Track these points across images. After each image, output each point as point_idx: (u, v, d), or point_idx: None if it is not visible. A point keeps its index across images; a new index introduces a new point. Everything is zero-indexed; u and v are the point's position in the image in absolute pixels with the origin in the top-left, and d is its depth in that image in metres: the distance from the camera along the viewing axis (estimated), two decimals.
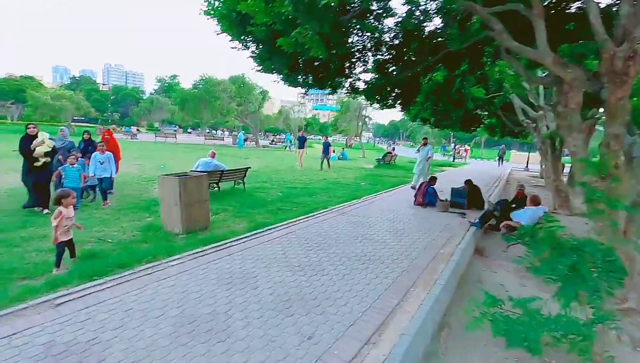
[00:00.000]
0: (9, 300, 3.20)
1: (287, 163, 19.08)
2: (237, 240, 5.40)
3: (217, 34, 6.01)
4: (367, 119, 33.35)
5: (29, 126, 6.39)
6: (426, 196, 9.11)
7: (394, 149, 24.46)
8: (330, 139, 18.03)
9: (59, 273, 3.91)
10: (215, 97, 30.76)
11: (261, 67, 6.35)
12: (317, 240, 5.65)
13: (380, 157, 21.46)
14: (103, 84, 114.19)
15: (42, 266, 4.06)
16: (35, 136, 6.28)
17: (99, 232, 5.47)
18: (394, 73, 7.86)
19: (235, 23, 5.51)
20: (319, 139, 34.10)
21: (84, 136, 8.33)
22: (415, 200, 9.26)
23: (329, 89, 7.31)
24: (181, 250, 4.78)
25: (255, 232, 5.85)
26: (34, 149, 6.16)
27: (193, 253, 4.70)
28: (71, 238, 4.12)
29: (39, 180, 6.28)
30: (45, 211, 6.24)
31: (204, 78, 31.95)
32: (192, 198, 5.66)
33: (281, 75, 6.60)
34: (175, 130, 50.38)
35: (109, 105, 72.03)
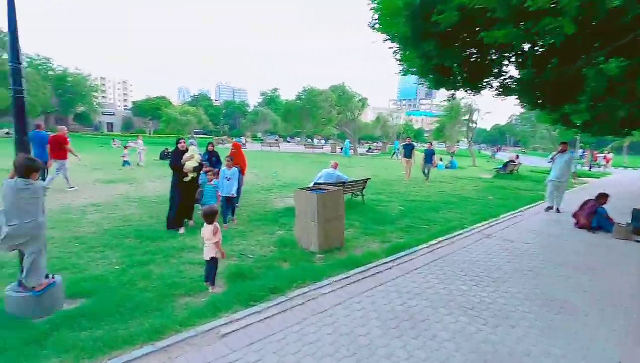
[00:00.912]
0: (179, 323, 3.06)
1: (393, 172, 18.13)
2: (379, 265, 4.76)
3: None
4: (473, 124, 30.30)
5: (180, 141, 6.31)
6: (593, 218, 7.23)
7: (517, 157, 21.33)
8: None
9: (215, 292, 3.77)
10: (317, 107, 31.64)
11: (409, 68, 5.72)
12: (475, 271, 4.67)
13: (501, 166, 18.89)
14: (215, 100, 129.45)
15: (197, 282, 4.00)
16: (186, 151, 6.19)
17: (238, 246, 5.42)
18: (554, 67, 6.40)
19: (412, 15, 4.97)
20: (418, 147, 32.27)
21: (208, 148, 8.26)
22: (576, 222, 7.44)
23: (472, 90, 6.27)
24: (325, 274, 4.34)
25: (396, 256, 5.14)
26: (184, 164, 6.04)
27: (340, 279, 4.20)
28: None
29: (186, 196, 6.19)
30: (182, 230, 6.02)
31: (306, 89, 33.21)
32: (329, 214, 5.24)
33: (428, 76, 5.86)
34: (276, 140, 53.78)
35: (221, 118, 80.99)
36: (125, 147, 16.66)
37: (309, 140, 61.39)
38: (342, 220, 5.53)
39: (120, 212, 7.36)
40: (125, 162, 15.69)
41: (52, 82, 52.12)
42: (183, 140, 6.31)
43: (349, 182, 8.42)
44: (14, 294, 3.03)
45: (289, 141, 65.20)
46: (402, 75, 5.91)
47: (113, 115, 75.86)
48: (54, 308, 3.17)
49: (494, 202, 10.53)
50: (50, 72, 55.23)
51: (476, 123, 28.61)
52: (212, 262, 3.84)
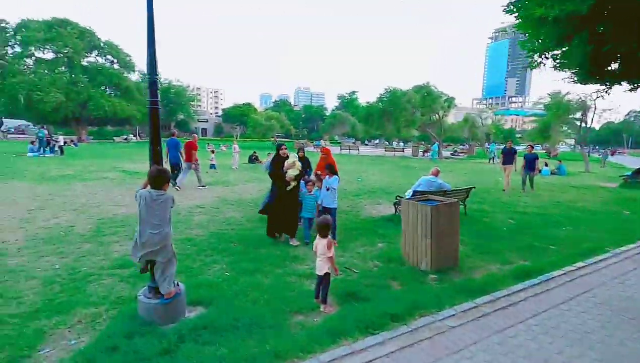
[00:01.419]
0: (300, 348, 2.82)
1: (487, 178, 16.36)
2: (510, 295, 4.01)
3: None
4: (585, 123, 25.98)
5: (282, 147, 5.99)
6: None
7: None
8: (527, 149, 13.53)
9: (328, 312, 3.49)
10: (399, 109, 30.54)
11: (563, 63, 4.85)
12: None
13: (629, 173, 15.75)
14: (295, 105, 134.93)
15: (307, 297, 3.78)
16: (287, 158, 5.81)
17: (339, 258, 5.10)
18: None
19: None
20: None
21: (299, 154, 7.38)
22: None
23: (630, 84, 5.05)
24: (446, 300, 3.77)
25: (527, 284, 4.31)
26: (286, 172, 5.69)
27: (467, 310, 3.60)
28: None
29: (288, 207, 5.74)
30: (295, 242, 5.65)
31: (388, 90, 32.32)
32: (443, 229, 4.64)
33: (583, 70, 4.91)
34: (354, 142, 53.64)
35: (300, 123, 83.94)
36: (212, 152, 17.76)
37: (387, 142, 60.02)
38: (456, 236, 4.88)
39: (221, 214, 7.70)
40: (212, 166, 16.74)
41: (160, 94, 59.60)
42: (284, 146, 6.06)
43: (452, 190, 7.61)
44: (145, 299, 3.11)
45: (366, 144, 64.58)
46: (558, 69, 4.98)
47: (207, 121, 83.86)
48: (178, 316, 3.20)
49: (632, 217, 8.64)
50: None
51: (587, 122, 24.51)
52: (325, 279, 3.57)
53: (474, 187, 8.24)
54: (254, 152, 23.11)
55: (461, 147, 43.13)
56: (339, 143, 57.23)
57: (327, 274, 3.56)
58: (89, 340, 2.91)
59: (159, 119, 3.11)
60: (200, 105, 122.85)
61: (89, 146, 33.18)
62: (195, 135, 13.29)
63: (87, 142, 38.88)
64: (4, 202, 8.04)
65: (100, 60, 44.73)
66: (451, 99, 32.79)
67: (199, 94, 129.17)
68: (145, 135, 57.13)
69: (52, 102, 36.13)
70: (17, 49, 39.62)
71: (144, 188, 3.11)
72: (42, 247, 5.15)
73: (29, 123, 47.92)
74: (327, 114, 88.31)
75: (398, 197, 7.82)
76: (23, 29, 38.43)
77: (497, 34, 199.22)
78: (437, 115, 32.72)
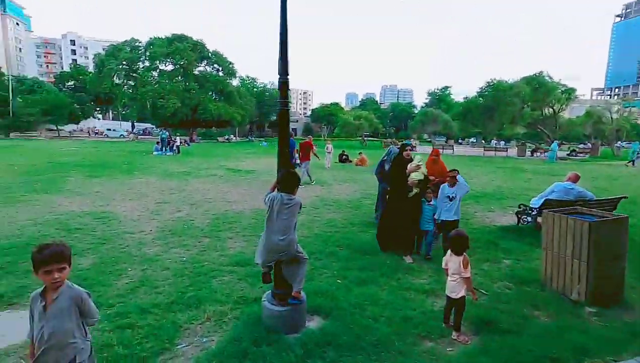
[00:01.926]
0: None
1: (628, 185, 13.43)
2: None
3: None
4: None
5: (407, 148, 5.17)
6: None
7: None
8: None
9: (463, 342, 2.99)
10: (505, 103, 27.34)
11: None
12: None
13: None
14: (381, 103, 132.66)
15: (432, 318, 3.35)
16: (410, 160, 5.08)
17: None
18: None
19: None
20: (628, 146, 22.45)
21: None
22: None
23: None
24: (620, 346, 2.93)
25: None
26: (408, 175, 4.95)
27: None
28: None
29: (406, 217, 4.92)
30: (409, 260, 4.89)
31: (491, 83, 29.22)
32: (604, 252, 3.70)
33: None
34: (446, 141, 50.21)
35: (388, 121, 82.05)
36: (297, 151, 18.05)
37: (483, 141, 54.74)
38: (622, 261, 3.86)
39: (322, 215, 7.64)
40: (296, 164, 17.03)
41: (255, 97, 64.48)
42: (409, 148, 5.33)
43: (596, 201, 6.25)
44: (269, 306, 3.04)
45: (460, 143, 59.92)
46: None
47: (296, 121, 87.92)
48: (301, 325, 3.06)
49: None
50: (254, 89, 68.58)
51: None
52: (460, 303, 3.07)
53: (626, 197, 6.65)
54: (343, 151, 23.14)
55: (581, 146, 36.73)
56: (429, 142, 54.20)
57: (462, 298, 3.05)
58: (218, 340, 2.95)
59: (289, 120, 3.00)
60: (290, 107, 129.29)
61: (199, 145, 37.38)
62: (311, 136, 14.83)
63: (196, 142, 43.94)
64: (140, 195, 9.29)
65: (209, 68, 50.22)
66: (571, 90, 28.12)
67: (290, 96, 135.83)
68: (242, 135, 62.33)
69: (171, 107, 41.83)
70: (147, 63, 46.87)
71: (273, 191, 3.04)
72: (170, 239, 5.68)
73: (153, 126, 56.44)
74: (416, 112, 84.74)
75: (522, 206, 6.75)
76: (151, 46, 45.27)
77: (628, 10, 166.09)
78: (551, 109, 28.39)
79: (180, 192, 9.87)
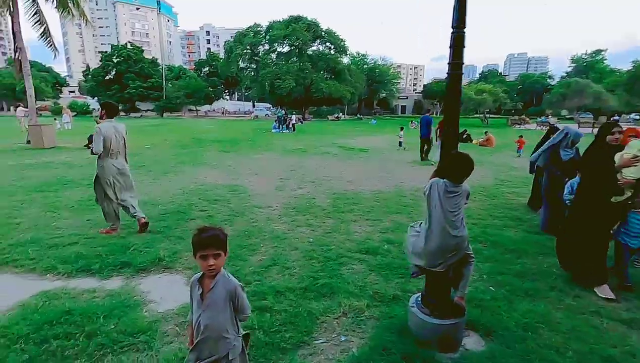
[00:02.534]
0: None
1: None
2: None
3: None
4: None
5: (616, 130, 3.41)
6: None
7: None
8: None
9: None
10: None
11: None
12: None
13: None
14: (505, 75, 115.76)
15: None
16: (619, 148, 3.55)
17: None
18: None
19: None
20: None
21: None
22: None
23: None
24: None
25: None
26: (618, 171, 3.50)
27: None
28: None
29: (603, 232, 3.50)
30: (605, 293, 3.30)
31: None
32: None
33: None
34: (596, 119, 40.82)
35: (515, 95, 71.24)
36: (401, 129, 16.78)
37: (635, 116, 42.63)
38: None
39: None
40: (400, 143, 16.03)
41: (365, 74, 63.28)
42: (620, 128, 3.48)
43: None
44: (419, 314, 2.55)
45: (617, 120, 48.15)
46: None
47: (406, 98, 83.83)
48: (458, 343, 2.49)
49: None
50: (364, 66, 67.28)
51: None
52: None
53: None
54: (465, 130, 20.76)
55: None
56: (570, 119, 44.98)
57: None
58: (359, 343, 2.61)
59: (460, 90, 2.34)
60: (399, 83, 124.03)
61: (310, 124, 38.82)
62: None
63: (308, 120, 45.78)
64: (264, 171, 9.83)
65: (321, 47, 51.11)
66: None
67: (399, 72, 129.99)
68: (350, 113, 62.19)
69: (287, 87, 44.25)
70: (266, 46, 50.27)
71: (434, 177, 2.47)
72: (295, 217, 5.67)
73: (270, 106, 60.96)
74: (553, 83, 71.45)
75: None
76: (270, 30, 48.24)
77: None
78: None
79: (299, 169, 10.09)
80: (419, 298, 2.64)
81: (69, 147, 13.97)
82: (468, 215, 5.84)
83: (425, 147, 12.59)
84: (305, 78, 46.79)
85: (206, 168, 10.00)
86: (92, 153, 4.65)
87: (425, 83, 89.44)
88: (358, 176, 9.24)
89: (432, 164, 10.94)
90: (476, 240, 4.69)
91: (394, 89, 72.92)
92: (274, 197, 6.96)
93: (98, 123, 4.70)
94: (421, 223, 2.61)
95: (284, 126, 25.65)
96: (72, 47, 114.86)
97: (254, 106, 67.19)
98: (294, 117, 28.37)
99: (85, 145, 12.61)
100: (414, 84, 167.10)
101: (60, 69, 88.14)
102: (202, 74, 65.09)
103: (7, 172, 8.79)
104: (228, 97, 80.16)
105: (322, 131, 26.66)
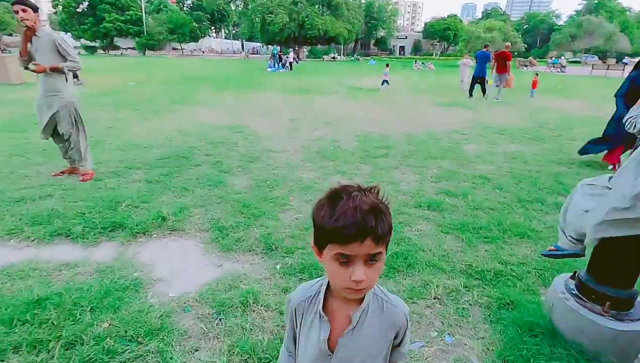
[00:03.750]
0: None
1: None
2: None
3: None
4: None
5: None
6: None
7: None
8: None
9: None
10: None
11: None
12: None
13: None
14: (507, 15, 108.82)
15: None
16: None
17: None
18: None
19: None
20: None
21: None
22: None
23: None
24: None
25: None
26: None
27: None
28: None
29: None
30: None
31: None
32: None
33: None
34: (603, 62, 38.94)
35: (520, 36, 67.21)
36: (387, 65, 15.10)
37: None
38: None
39: (499, 144, 5.80)
40: (385, 81, 14.46)
41: (363, 11, 58.25)
42: None
43: None
44: (574, 306, 1.66)
45: (625, 64, 46.21)
46: None
47: (405, 38, 78.82)
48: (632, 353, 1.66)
49: None
50: (362, 1, 61.73)
51: None
52: None
53: None
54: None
55: None
56: (577, 62, 42.97)
57: None
58: (478, 349, 1.77)
59: None
60: (396, 21, 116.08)
61: (306, 64, 36.11)
62: (509, 44, 13.16)
63: (303, 60, 42.76)
64: (269, 110, 8.58)
65: None
66: None
67: (398, 9, 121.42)
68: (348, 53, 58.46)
69: (279, 23, 40.60)
70: None
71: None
72: (321, 163, 4.67)
73: (261, 45, 56.64)
74: (560, 23, 67.66)
75: None
76: None
77: None
78: None
79: (309, 110, 8.87)
80: (573, 286, 1.76)
81: None
82: (522, 158, 4.95)
83: (478, 85, 11.74)
84: (299, 12, 42.85)
85: (202, 107, 8.70)
86: (75, 75, 3.60)
87: (426, 21, 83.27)
88: (378, 117, 8.12)
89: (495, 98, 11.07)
90: (545, 189, 3.81)
91: (393, 27, 68.10)
92: (288, 139, 5.89)
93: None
94: (610, 177, 1.62)
95: (280, 65, 23.55)
96: None
97: (242, 45, 62.45)
98: (291, 54, 26.02)
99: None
100: (412, 23, 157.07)
101: None
102: (185, 7, 59.23)
103: None
104: (214, 35, 74.27)
105: (321, 71, 24.62)
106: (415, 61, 29.95)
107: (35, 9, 3.33)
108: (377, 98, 11.64)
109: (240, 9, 47.76)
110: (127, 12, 47.16)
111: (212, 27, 66.62)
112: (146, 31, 45.56)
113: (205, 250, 2.58)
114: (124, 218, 2.89)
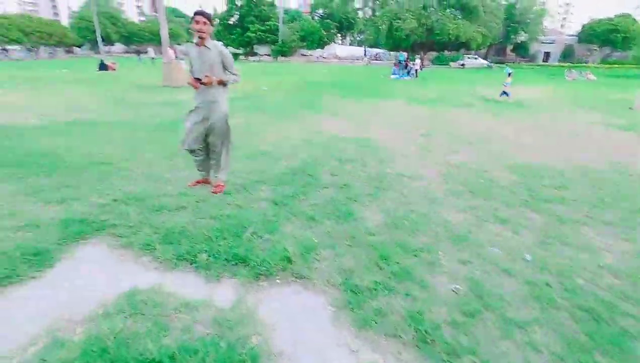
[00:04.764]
0: None
1: None
2: None
3: None
4: None
5: None
6: None
7: None
8: None
9: None
10: None
11: None
12: None
13: None
14: None
15: None
16: None
17: None
18: None
19: None
20: None
21: None
22: None
23: None
24: None
25: None
26: None
27: None
28: None
29: None
30: None
31: None
32: None
33: None
34: None
35: None
36: (509, 75, 12.14)
37: None
38: None
39: None
40: (504, 93, 12.26)
41: (503, 13, 52.03)
42: None
43: None
44: None
45: None
46: None
47: (552, 43, 67.69)
48: None
49: None
50: (502, 2, 55.21)
51: None
52: None
53: None
54: None
55: None
56: None
57: None
58: None
59: None
60: (544, 23, 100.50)
61: (430, 71, 34.01)
62: None
63: (427, 67, 40.58)
64: (396, 122, 7.85)
65: None
66: None
67: (546, 8, 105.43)
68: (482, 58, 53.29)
69: (407, 28, 39.22)
70: None
71: None
72: (471, 201, 3.71)
73: (383, 51, 56.08)
74: None
75: None
76: None
77: None
78: None
79: (441, 124, 7.81)
80: None
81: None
82: None
83: None
84: (428, 17, 40.67)
85: (327, 115, 8.50)
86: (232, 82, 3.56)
87: (584, 23, 69.40)
88: (530, 140, 6.59)
89: None
90: None
91: (538, 30, 58.85)
92: (422, 161, 5.06)
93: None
94: None
95: (405, 72, 22.49)
96: None
97: (365, 51, 63.06)
98: (417, 61, 24.65)
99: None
100: (561, 26, 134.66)
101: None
102: (316, 17, 62.88)
103: (138, 109, 8.78)
104: (340, 41, 77.01)
105: (449, 79, 22.61)
106: (569, 70, 24.97)
107: (212, 22, 3.32)
108: (522, 114, 9.72)
109: (367, 16, 48.09)
110: (267, 23, 52.54)
111: (339, 34, 69.15)
112: (281, 40, 49.86)
113: (335, 317, 2.02)
114: (248, 250, 2.56)
